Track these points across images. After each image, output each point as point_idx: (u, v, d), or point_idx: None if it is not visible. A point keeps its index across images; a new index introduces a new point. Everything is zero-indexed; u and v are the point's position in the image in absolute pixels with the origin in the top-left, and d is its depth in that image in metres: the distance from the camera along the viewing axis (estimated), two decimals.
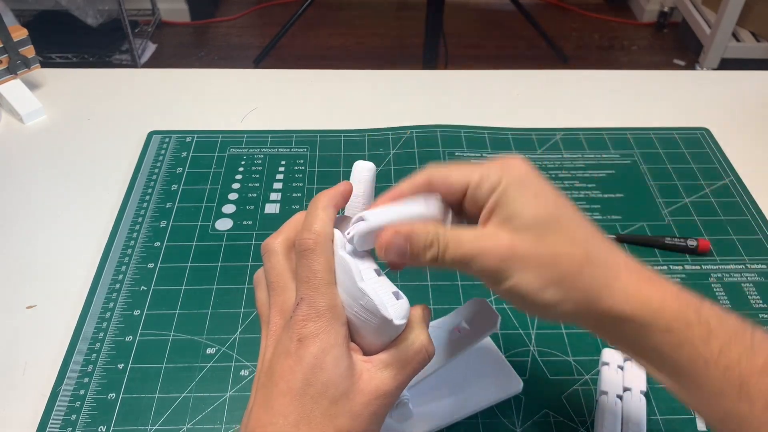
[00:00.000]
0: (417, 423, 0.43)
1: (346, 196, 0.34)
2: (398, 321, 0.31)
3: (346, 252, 0.32)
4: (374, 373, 0.31)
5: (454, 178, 0.34)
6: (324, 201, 0.33)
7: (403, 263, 0.33)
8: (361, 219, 0.33)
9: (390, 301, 0.31)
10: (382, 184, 0.57)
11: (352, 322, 0.31)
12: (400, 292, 0.32)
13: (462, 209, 0.35)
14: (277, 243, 0.34)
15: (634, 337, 0.32)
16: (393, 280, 0.33)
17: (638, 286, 0.31)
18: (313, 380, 0.29)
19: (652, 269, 0.33)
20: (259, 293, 0.35)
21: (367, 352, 0.32)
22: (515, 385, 0.45)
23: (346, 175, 0.36)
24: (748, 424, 0.29)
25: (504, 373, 0.46)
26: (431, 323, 0.43)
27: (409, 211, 0.34)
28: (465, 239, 0.32)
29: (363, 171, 0.36)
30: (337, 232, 0.33)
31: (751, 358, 0.29)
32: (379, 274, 0.32)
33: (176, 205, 0.60)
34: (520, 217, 0.32)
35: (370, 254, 0.34)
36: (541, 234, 0.32)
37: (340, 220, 0.34)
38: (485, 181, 0.33)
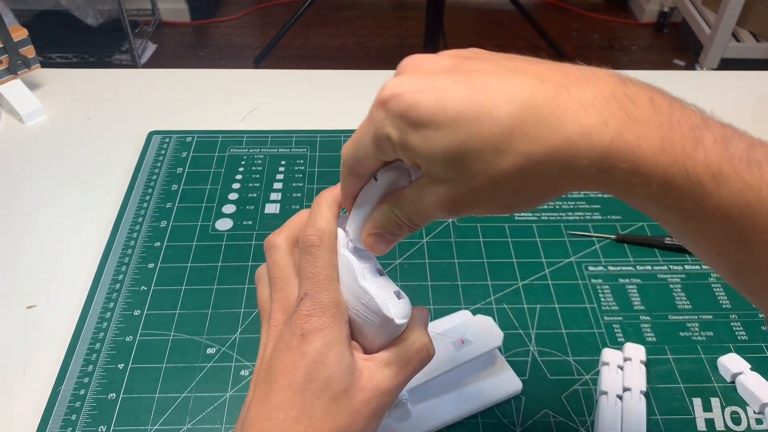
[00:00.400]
0: (417, 423, 0.43)
1: None
2: (399, 320, 0.31)
3: (348, 251, 0.32)
4: (375, 371, 0.31)
5: (366, 162, 0.30)
6: (328, 199, 0.33)
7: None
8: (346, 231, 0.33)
9: (392, 301, 0.31)
10: None
11: (353, 320, 0.31)
12: (401, 291, 0.32)
13: None
14: (280, 239, 0.34)
15: (619, 196, 0.27)
16: (393, 279, 0.33)
17: (603, 150, 0.24)
18: (315, 375, 0.29)
19: (624, 81, 0.26)
20: (260, 289, 0.35)
21: (367, 351, 0.32)
22: (515, 385, 0.45)
23: None
24: (750, 273, 0.26)
25: (504, 373, 0.46)
26: (435, 328, 0.43)
27: (372, 197, 0.32)
28: (418, 201, 0.29)
29: None
30: (339, 230, 0.33)
31: (759, 215, 0.24)
32: (381, 274, 0.33)
33: (176, 205, 0.60)
34: (436, 163, 0.27)
35: (372, 254, 0.34)
36: (464, 168, 0.26)
37: (342, 219, 0.35)
38: (385, 148, 0.28)
